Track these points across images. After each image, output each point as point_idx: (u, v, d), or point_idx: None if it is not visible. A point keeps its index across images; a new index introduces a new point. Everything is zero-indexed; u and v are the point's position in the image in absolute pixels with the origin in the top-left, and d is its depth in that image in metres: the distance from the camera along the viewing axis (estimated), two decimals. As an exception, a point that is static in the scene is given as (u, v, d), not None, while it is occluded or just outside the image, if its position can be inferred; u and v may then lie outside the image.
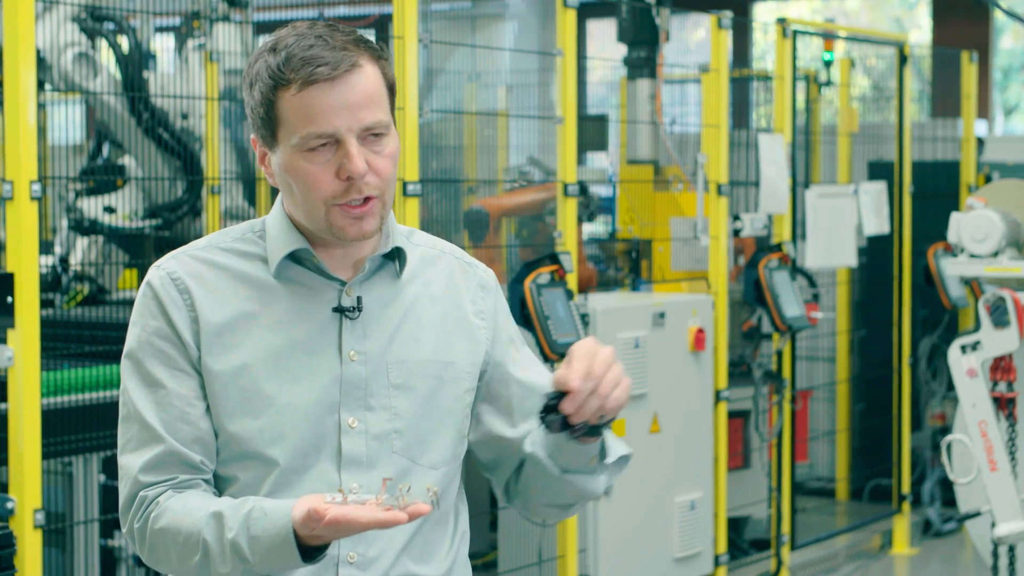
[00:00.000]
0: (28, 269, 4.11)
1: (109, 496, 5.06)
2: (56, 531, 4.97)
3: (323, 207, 2.22)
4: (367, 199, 2.22)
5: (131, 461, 2.25)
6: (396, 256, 2.34)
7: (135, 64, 6.35)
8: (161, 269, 2.29)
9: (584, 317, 5.58)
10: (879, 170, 8.36)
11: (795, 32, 7.14)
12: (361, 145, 2.21)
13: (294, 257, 2.29)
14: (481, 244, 6.57)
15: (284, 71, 2.19)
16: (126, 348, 2.30)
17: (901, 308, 8.00)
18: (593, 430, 2.21)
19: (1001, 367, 5.62)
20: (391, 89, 2.27)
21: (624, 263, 6.97)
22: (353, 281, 2.29)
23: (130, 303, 5.86)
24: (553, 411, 2.16)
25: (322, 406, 2.25)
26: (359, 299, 2.29)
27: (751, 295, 6.67)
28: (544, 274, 5.37)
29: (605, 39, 15.39)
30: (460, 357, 2.34)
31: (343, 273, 2.30)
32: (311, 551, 2.11)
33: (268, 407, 2.23)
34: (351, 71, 2.20)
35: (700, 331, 6.27)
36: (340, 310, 2.28)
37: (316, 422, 2.24)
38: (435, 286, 2.37)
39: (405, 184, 4.93)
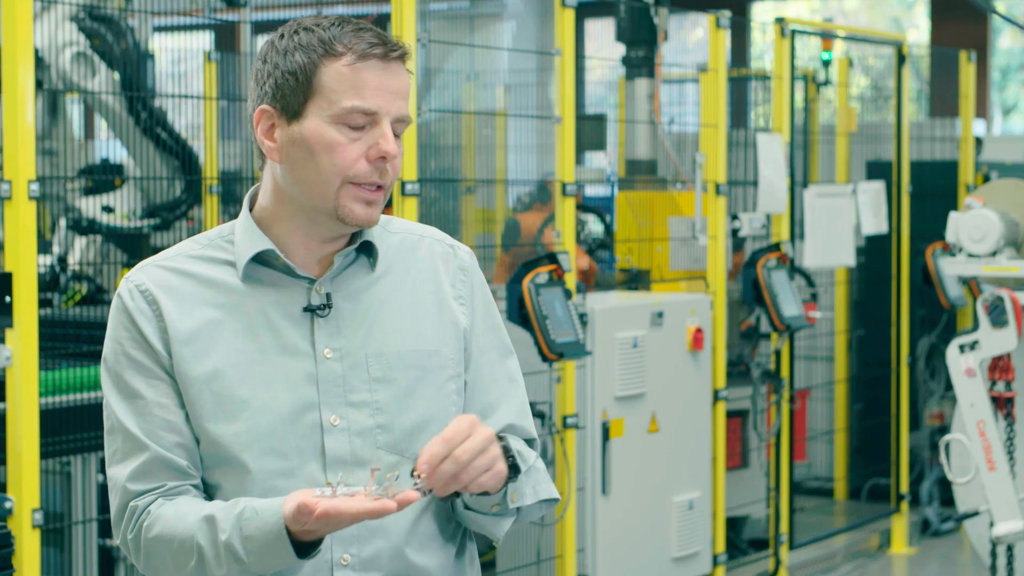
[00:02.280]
0: (26, 268, 4.11)
1: (107, 496, 5.05)
2: (54, 531, 4.97)
3: (338, 183, 2.21)
4: (379, 187, 2.23)
5: (118, 472, 2.26)
6: (369, 250, 2.32)
7: (133, 64, 6.35)
8: (130, 281, 2.29)
9: (583, 317, 5.58)
10: (877, 170, 8.36)
11: (793, 32, 7.14)
12: None
13: (261, 259, 2.28)
14: (508, 250, 6.69)
15: (335, 43, 2.20)
16: (103, 361, 2.30)
17: (899, 307, 8.00)
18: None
19: (999, 366, 5.62)
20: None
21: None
22: (323, 278, 2.28)
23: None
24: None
25: (299, 407, 2.24)
26: (328, 296, 2.27)
27: (749, 295, 6.67)
28: (542, 274, 5.37)
29: (603, 39, 15.37)
30: (443, 344, 2.32)
31: (312, 271, 2.29)
32: (305, 547, 2.11)
33: (243, 411, 2.23)
34: (401, 60, 2.24)
35: (698, 331, 6.27)
36: (310, 309, 2.27)
37: (294, 423, 2.23)
38: (415, 272, 2.35)
39: (404, 183, 4.92)
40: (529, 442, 2.39)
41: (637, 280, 6.91)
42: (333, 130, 2.21)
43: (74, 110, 7.74)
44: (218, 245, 2.31)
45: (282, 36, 2.25)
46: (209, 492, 2.27)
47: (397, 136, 2.24)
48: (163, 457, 2.23)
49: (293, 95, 2.22)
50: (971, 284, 7.14)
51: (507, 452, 2.19)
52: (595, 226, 7.81)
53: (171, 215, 6.48)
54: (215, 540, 2.14)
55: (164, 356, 2.24)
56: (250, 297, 2.27)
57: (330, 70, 2.20)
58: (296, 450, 2.23)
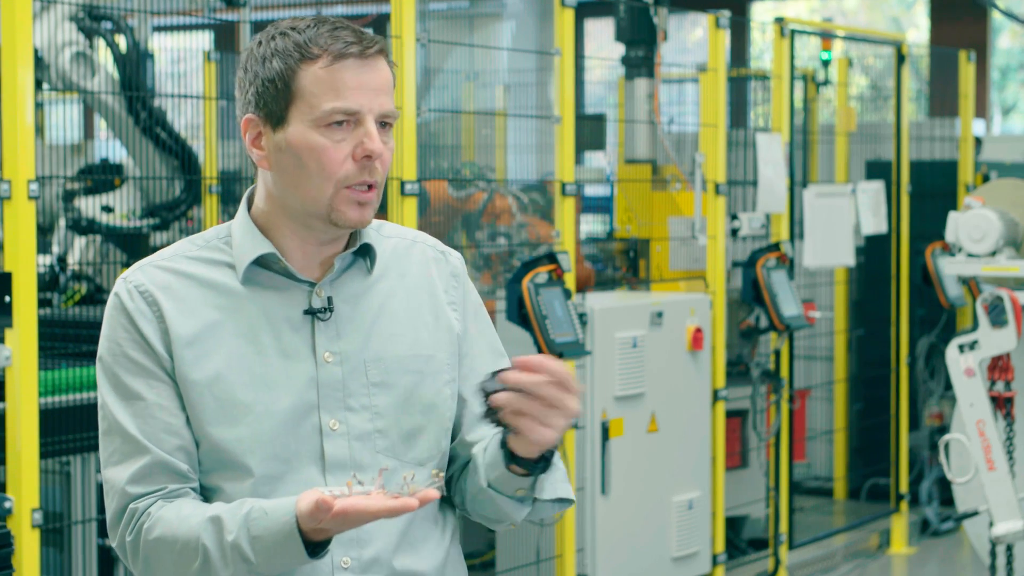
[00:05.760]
0: (26, 268, 4.11)
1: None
2: (54, 531, 4.97)
3: (331, 188, 2.20)
4: (370, 187, 2.22)
5: (117, 474, 2.22)
6: (366, 253, 2.32)
7: (133, 63, 6.35)
8: (128, 281, 2.27)
9: (582, 316, 5.57)
10: (877, 169, 8.36)
11: (793, 31, 7.14)
12: None
13: (261, 262, 2.26)
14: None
15: (311, 46, 2.19)
16: (98, 361, 2.28)
17: (899, 307, 8.00)
18: (527, 465, 2.19)
19: (999, 366, 5.62)
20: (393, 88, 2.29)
21: (622, 262, 6.97)
22: (323, 282, 2.27)
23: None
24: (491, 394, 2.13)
25: (299, 410, 2.23)
26: (329, 299, 2.27)
27: (749, 294, 6.67)
28: (542, 273, 5.37)
29: (603, 38, 15.38)
30: (439, 349, 2.32)
31: (312, 274, 2.28)
32: (314, 547, 2.10)
33: (246, 415, 2.21)
34: (378, 56, 2.22)
35: (698, 330, 6.27)
36: (311, 312, 2.26)
37: (295, 427, 2.22)
38: (410, 277, 2.34)
39: (403, 183, 4.92)
40: None
41: (636, 251, 6.90)
42: (317, 134, 2.20)
43: (72, 109, 7.74)
44: (215, 246, 2.30)
45: (260, 43, 2.24)
46: (208, 495, 2.25)
47: (387, 127, 2.24)
48: (164, 460, 2.21)
49: (275, 102, 2.21)
50: (970, 284, 7.14)
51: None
52: (594, 226, 7.82)
53: (170, 215, 6.49)
54: (221, 541, 2.12)
55: (165, 358, 2.22)
56: (250, 300, 2.26)
57: (308, 74, 2.19)
58: (296, 454, 2.22)
